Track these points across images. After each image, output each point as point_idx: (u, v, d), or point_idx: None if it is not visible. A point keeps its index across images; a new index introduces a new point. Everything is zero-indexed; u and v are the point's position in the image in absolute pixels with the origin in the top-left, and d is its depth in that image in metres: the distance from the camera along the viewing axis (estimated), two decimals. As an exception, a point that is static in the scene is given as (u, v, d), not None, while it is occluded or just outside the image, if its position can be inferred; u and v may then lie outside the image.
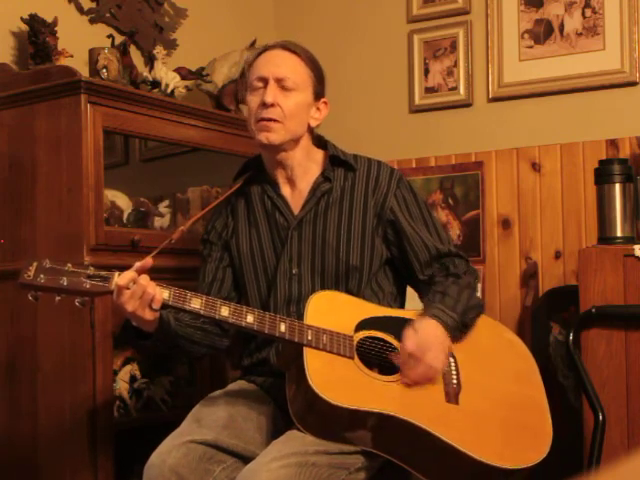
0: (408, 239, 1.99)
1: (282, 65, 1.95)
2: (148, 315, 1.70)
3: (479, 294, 3.00)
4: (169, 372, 2.61)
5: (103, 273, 1.68)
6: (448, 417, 1.76)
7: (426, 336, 1.79)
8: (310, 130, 2.03)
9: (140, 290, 1.67)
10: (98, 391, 2.25)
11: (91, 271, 1.67)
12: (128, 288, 1.67)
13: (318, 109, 2.02)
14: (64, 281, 1.64)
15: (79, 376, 2.26)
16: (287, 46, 1.98)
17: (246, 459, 1.75)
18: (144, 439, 1.98)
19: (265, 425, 1.88)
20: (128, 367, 2.45)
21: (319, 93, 2.02)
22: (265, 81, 1.94)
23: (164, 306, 1.71)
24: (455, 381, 1.83)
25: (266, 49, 2.00)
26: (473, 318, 1.94)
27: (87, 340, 2.25)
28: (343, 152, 2.06)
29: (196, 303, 1.70)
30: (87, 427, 2.24)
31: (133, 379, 2.46)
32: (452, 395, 1.80)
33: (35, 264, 1.65)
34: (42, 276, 1.64)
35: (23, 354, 2.36)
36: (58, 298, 1.67)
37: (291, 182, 2.03)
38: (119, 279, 1.67)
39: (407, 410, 1.70)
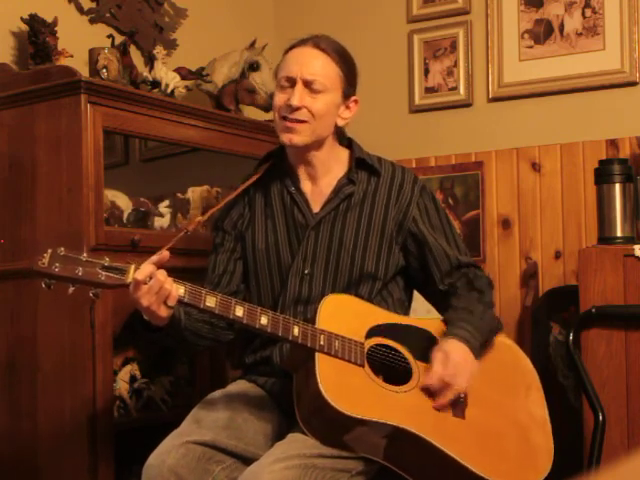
0: (430, 249, 1.97)
1: (311, 66, 1.91)
2: (162, 312, 1.66)
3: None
4: (169, 372, 2.60)
5: (119, 265, 1.64)
6: (454, 431, 1.75)
7: (457, 360, 1.79)
8: (336, 128, 2.00)
9: (157, 286, 1.63)
10: (98, 391, 2.25)
11: (106, 262, 1.62)
12: (145, 283, 1.63)
13: (347, 108, 2.00)
14: (79, 271, 1.59)
15: (79, 376, 2.25)
16: (319, 44, 1.94)
17: (246, 460, 1.75)
18: (144, 439, 1.98)
19: (265, 426, 1.87)
20: (128, 367, 2.45)
21: (349, 92, 1.99)
22: (293, 81, 1.91)
23: (179, 302, 1.67)
24: (462, 396, 1.82)
25: (298, 44, 1.95)
26: (491, 341, 1.95)
27: (87, 340, 2.25)
28: (368, 154, 2.04)
29: (211, 302, 1.67)
30: (87, 427, 2.24)
31: (133, 379, 2.46)
32: (459, 409, 1.80)
33: (50, 252, 1.60)
34: (57, 264, 1.59)
35: (23, 354, 2.36)
36: (72, 288, 1.62)
37: (313, 179, 2.01)
38: (137, 273, 1.63)
39: (414, 422, 1.69)
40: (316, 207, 1.99)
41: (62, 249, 1.60)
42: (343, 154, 2.04)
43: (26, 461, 2.34)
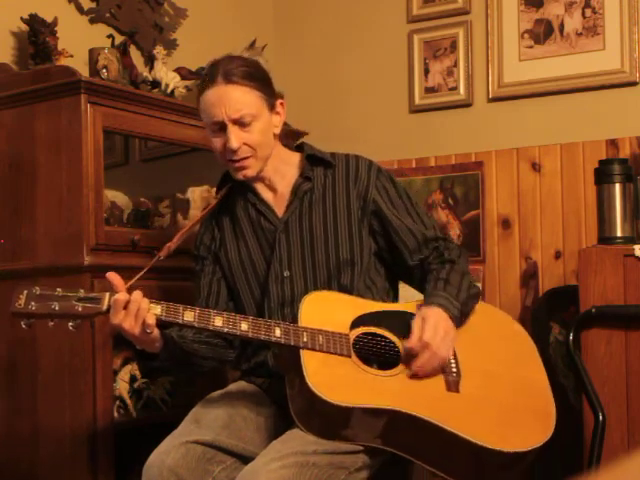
0: (393, 227, 1.99)
1: (232, 104, 1.90)
2: (145, 335, 1.70)
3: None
4: (169, 372, 2.60)
5: (93, 295, 1.69)
6: (450, 406, 1.76)
7: (435, 325, 1.80)
8: (278, 138, 2.02)
9: (135, 307, 1.67)
10: (98, 391, 2.25)
11: (81, 294, 1.68)
12: (124, 307, 1.67)
13: (277, 113, 2.00)
14: (55, 306, 1.65)
15: (79, 376, 2.25)
16: (229, 78, 1.91)
17: (245, 459, 1.75)
18: (144, 439, 1.98)
19: (265, 425, 1.88)
20: (128, 367, 2.45)
21: (272, 102, 1.97)
22: (222, 125, 1.91)
23: (158, 321, 1.70)
24: (455, 370, 1.83)
25: (208, 84, 1.92)
26: (472, 307, 1.96)
27: (87, 340, 2.25)
28: (320, 151, 2.06)
29: (189, 316, 1.70)
30: (87, 427, 2.24)
31: (133, 379, 2.46)
32: (452, 384, 1.81)
33: (25, 292, 1.66)
34: (33, 303, 1.65)
35: (23, 355, 2.36)
36: (51, 323, 1.68)
37: (271, 188, 2.03)
38: (118, 295, 1.67)
39: (408, 403, 1.70)
40: (281, 212, 2.01)
41: (37, 288, 1.67)
42: (294, 158, 2.06)
43: (26, 461, 2.34)
